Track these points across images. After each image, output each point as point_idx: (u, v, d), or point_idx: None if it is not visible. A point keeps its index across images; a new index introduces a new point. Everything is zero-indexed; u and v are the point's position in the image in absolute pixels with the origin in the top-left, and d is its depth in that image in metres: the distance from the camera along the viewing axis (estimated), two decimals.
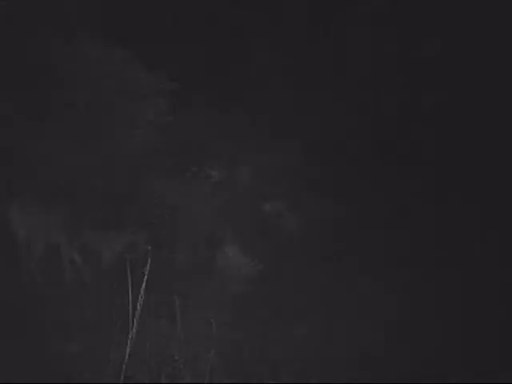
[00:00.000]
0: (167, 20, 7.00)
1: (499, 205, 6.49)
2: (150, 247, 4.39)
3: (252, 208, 6.27)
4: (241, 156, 6.75)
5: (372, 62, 7.38)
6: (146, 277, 3.69)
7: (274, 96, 7.51)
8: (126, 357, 3.57)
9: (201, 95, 6.62)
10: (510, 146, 6.83)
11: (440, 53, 6.89)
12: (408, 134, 7.16)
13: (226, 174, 6.44)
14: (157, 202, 6.00)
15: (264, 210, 6.40)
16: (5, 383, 3.64)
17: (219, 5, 7.43)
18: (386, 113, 7.31)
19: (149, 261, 3.73)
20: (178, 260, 5.66)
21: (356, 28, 7.32)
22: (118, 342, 3.79)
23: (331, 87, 7.32)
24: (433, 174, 6.97)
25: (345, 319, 5.27)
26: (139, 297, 3.55)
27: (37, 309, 4.58)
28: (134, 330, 3.58)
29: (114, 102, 5.88)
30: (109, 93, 5.85)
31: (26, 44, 5.59)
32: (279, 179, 6.64)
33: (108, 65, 5.90)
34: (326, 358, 4.62)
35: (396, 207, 6.60)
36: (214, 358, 3.97)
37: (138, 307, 3.59)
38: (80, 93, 5.74)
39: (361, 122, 7.28)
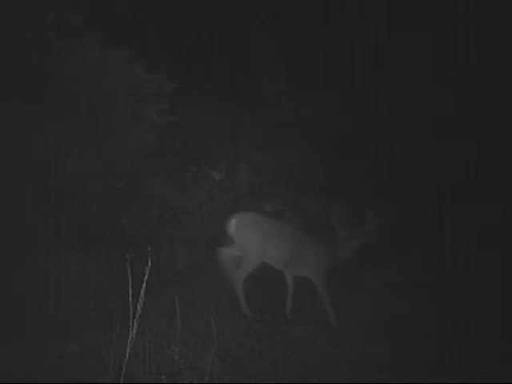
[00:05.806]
0: (167, 20, 7.01)
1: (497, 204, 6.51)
2: (150, 247, 4.38)
3: (252, 207, 6.28)
4: (241, 155, 6.76)
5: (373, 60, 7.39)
6: (146, 277, 3.68)
7: (275, 96, 7.52)
8: (126, 357, 3.56)
9: (201, 95, 6.63)
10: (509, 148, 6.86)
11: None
12: (408, 135, 7.17)
13: (225, 174, 6.45)
14: (157, 202, 6.01)
15: (264, 210, 6.41)
16: (4, 383, 3.64)
17: (219, 6, 7.44)
18: (387, 112, 7.31)
19: (149, 261, 3.72)
20: (178, 260, 5.66)
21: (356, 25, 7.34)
22: (118, 342, 3.78)
23: (332, 86, 7.33)
24: (433, 174, 6.97)
25: (345, 319, 5.28)
26: (139, 297, 3.54)
27: (37, 308, 4.58)
28: (134, 330, 3.58)
29: (114, 102, 5.88)
30: (109, 93, 5.85)
31: (25, 44, 5.59)
32: (279, 178, 6.65)
33: (108, 65, 5.90)
34: (327, 358, 4.62)
35: (396, 207, 6.60)
36: (213, 358, 3.96)
37: (138, 307, 3.58)
38: (80, 93, 5.74)
39: (361, 122, 7.29)
